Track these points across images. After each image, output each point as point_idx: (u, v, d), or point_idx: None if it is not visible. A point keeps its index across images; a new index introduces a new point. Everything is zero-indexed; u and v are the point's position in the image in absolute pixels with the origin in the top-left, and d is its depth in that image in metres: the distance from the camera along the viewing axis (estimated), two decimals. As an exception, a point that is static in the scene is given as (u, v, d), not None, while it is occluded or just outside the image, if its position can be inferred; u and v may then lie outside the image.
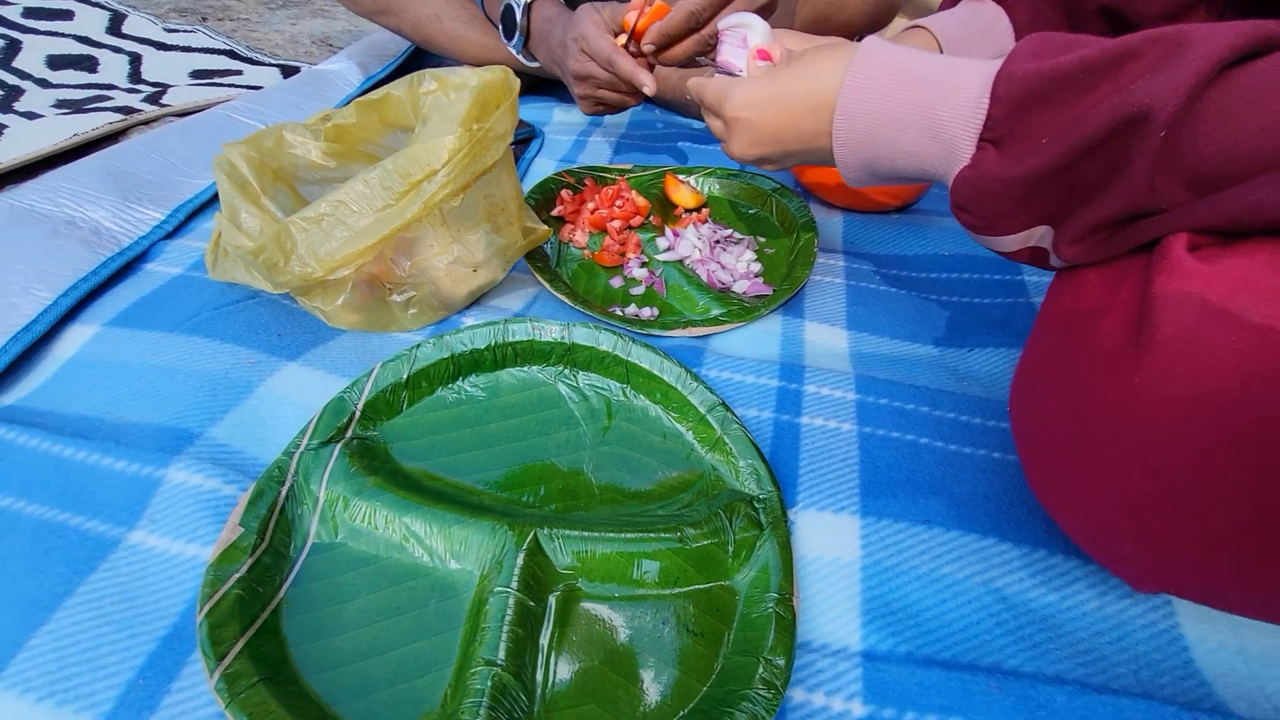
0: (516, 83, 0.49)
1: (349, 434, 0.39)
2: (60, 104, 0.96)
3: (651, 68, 0.62)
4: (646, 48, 0.59)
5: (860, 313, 0.57)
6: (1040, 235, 0.33)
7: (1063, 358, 0.30)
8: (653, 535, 0.35)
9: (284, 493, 0.35)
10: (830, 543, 0.37)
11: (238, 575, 0.30)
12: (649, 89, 0.60)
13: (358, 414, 0.40)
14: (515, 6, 0.73)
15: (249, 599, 0.29)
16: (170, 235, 0.58)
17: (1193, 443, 0.24)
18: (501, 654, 0.28)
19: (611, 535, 0.34)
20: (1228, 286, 0.25)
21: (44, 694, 0.28)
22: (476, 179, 0.46)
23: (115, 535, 0.34)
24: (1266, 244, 0.25)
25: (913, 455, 0.42)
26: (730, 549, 0.35)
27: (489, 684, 0.27)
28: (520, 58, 0.78)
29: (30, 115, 0.90)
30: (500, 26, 0.77)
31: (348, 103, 0.91)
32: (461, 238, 0.49)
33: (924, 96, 0.33)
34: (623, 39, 0.61)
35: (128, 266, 0.54)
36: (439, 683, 0.28)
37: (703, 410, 0.42)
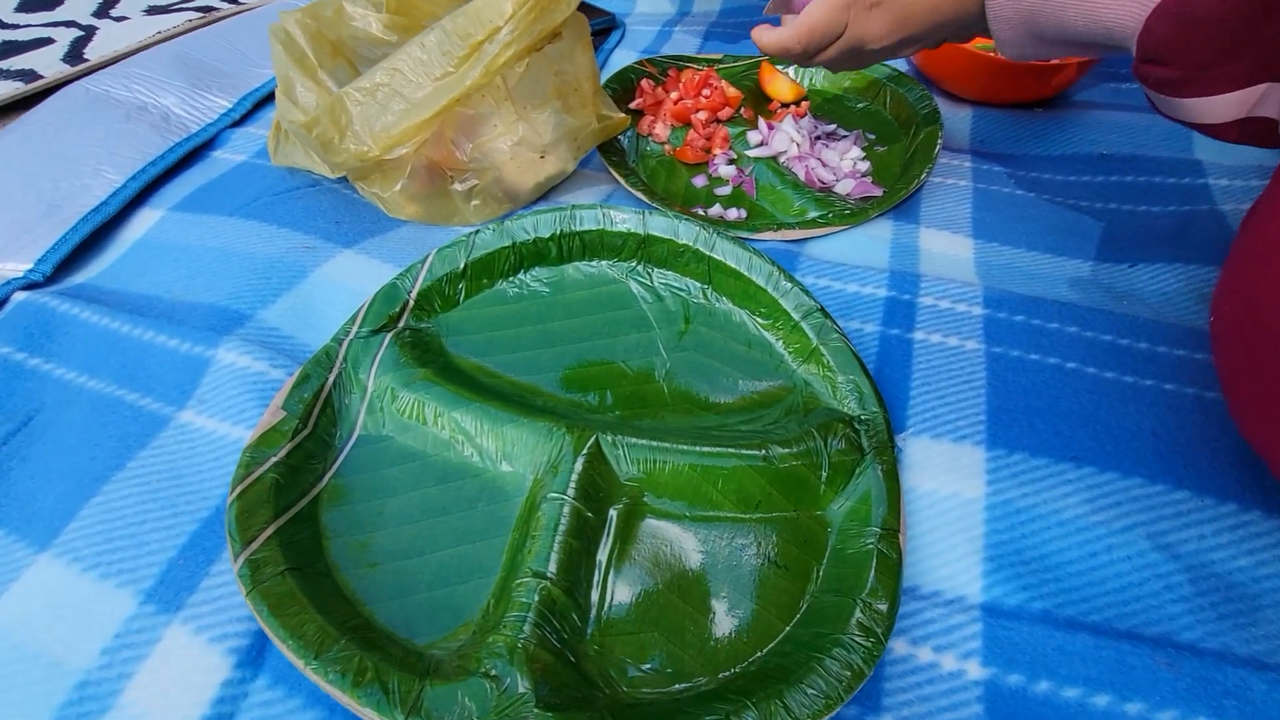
0: (593, -69, 0.42)
1: (401, 324, 0.36)
2: (150, 9, 0.96)
3: None
4: None
5: (989, 219, 0.48)
6: (1263, 97, 0.24)
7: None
8: (732, 451, 0.30)
9: (331, 379, 0.32)
10: (947, 476, 0.31)
11: (275, 459, 0.27)
12: None
13: (411, 303, 0.36)
14: None
15: (285, 484, 0.27)
16: (237, 124, 0.56)
17: None
18: (553, 566, 0.24)
19: (685, 447, 0.29)
20: None
21: (89, 564, 0.27)
22: (543, 41, 0.40)
23: (166, 413, 0.33)
24: None
25: (1056, 381, 0.35)
26: (824, 474, 0.30)
27: (536, 598, 0.23)
28: None
29: (122, 19, 0.91)
30: None
31: (421, -4, 0.85)
32: (528, 116, 0.44)
33: None
34: None
35: (195, 153, 0.52)
36: (481, 591, 0.25)
37: (797, 317, 0.36)
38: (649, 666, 0.24)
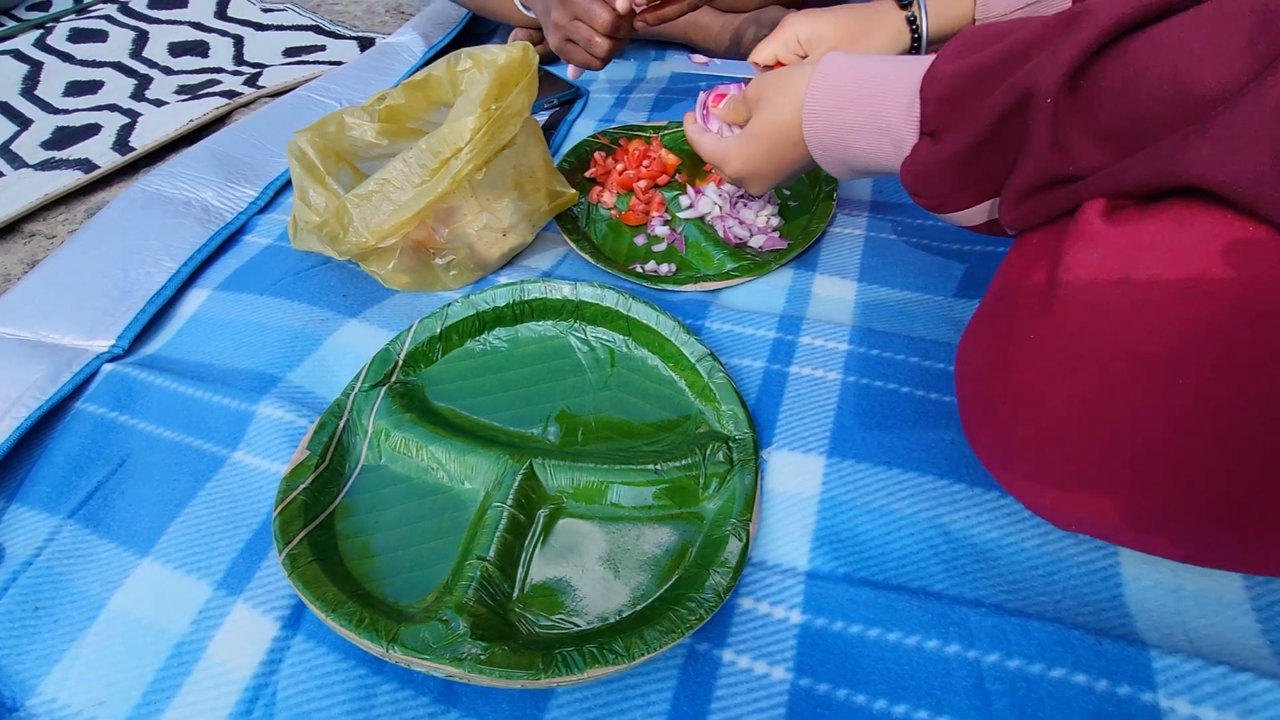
0: (535, 58, 0.53)
1: (393, 379, 0.47)
2: (180, 89, 1.10)
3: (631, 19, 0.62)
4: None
5: (874, 265, 0.58)
6: (991, 206, 0.34)
7: (996, 309, 0.33)
8: (633, 467, 0.41)
9: (341, 425, 0.44)
10: (795, 479, 0.41)
11: (303, 486, 0.39)
12: (621, 3, 0.59)
13: (400, 363, 0.48)
14: None
15: (311, 503, 0.38)
16: (263, 210, 0.68)
17: (1072, 388, 0.27)
18: (491, 553, 0.35)
19: (594, 466, 0.40)
20: (1125, 248, 0.26)
21: (178, 564, 0.39)
22: (498, 153, 0.52)
23: (223, 454, 0.45)
24: (1174, 206, 0.26)
25: (891, 403, 0.45)
26: (702, 481, 0.41)
27: (478, 573, 0.34)
28: (516, 2, 0.77)
29: (158, 103, 1.04)
30: None
31: (413, 72, 0.98)
32: (490, 206, 0.55)
33: (870, 105, 0.36)
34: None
35: (231, 238, 0.65)
36: (444, 570, 0.36)
37: (693, 360, 0.47)
38: (557, 617, 0.35)
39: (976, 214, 0.36)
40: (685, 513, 0.40)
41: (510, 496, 0.38)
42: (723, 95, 0.53)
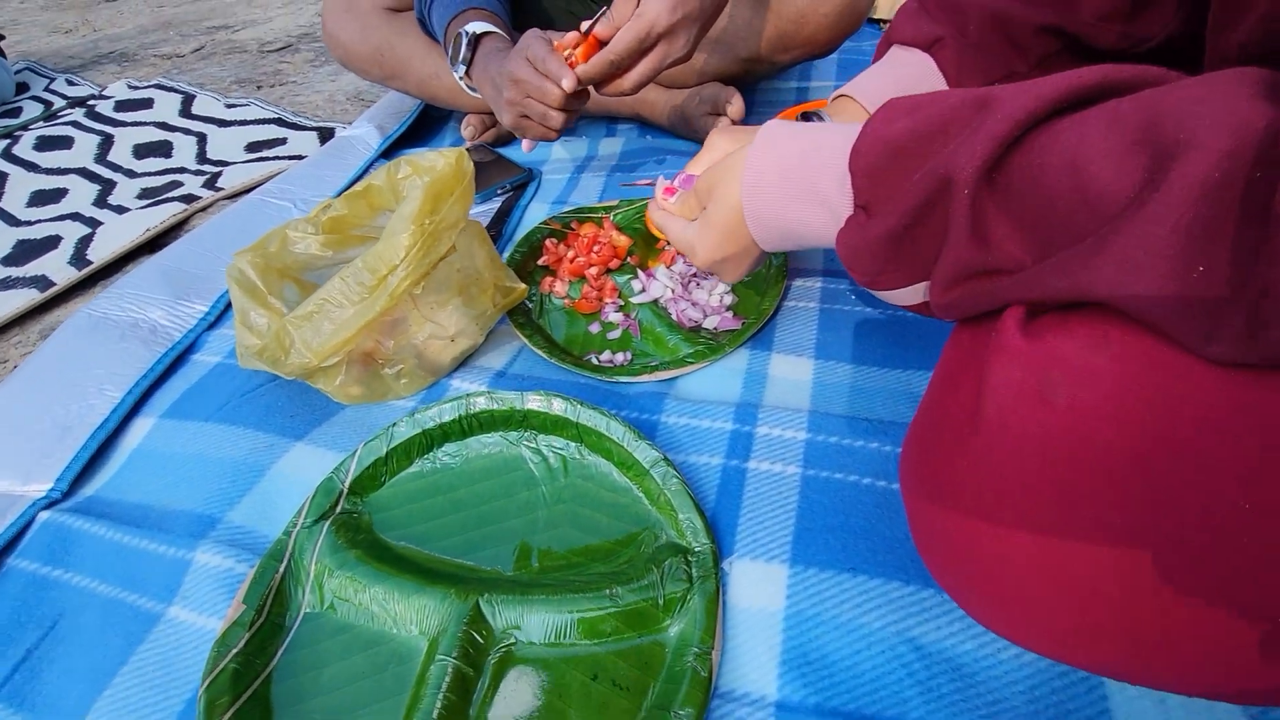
0: (470, 167, 0.53)
1: (338, 509, 0.45)
2: (143, 193, 1.10)
3: (585, 92, 0.63)
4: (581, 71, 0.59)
5: (830, 339, 0.58)
6: (925, 290, 0.34)
7: (929, 420, 0.31)
8: (587, 595, 0.38)
9: (282, 569, 0.42)
10: (759, 592, 0.39)
11: (235, 651, 0.37)
12: (567, 83, 0.59)
13: (345, 491, 0.46)
14: (464, 36, 0.71)
15: (243, 671, 0.36)
16: (212, 325, 0.67)
17: (1006, 518, 0.25)
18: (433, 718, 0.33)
19: (546, 597, 0.38)
20: (1042, 366, 0.25)
21: (103, 748, 0.36)
22: (436, 264, 0.51)
23: (158, 610, 0.42)
24: (1091, 318, 0.25)
25: (852, 497, 0.43)
26: (661, 604, 0.39)
27: (416, 747, 0.32)
28: (462, 85, 0.75)
29: (120, 209, 1.04)
30: (449, 51, 0.74)
31: (370, 165, 0.99)
32: (433, 315, 0.54)
33: (807, 174, 0.35)
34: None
35: (180, 357, 0.63)
36: (384, 742, 0.34)
37: (647, 466, 0.45)
38: (505, 787, 0.32)
39: (911, 294, 0.35)
40: (645, 642, 0.38)
41: (455, 648, 0.36)
42: (671, 190, 0.53)
